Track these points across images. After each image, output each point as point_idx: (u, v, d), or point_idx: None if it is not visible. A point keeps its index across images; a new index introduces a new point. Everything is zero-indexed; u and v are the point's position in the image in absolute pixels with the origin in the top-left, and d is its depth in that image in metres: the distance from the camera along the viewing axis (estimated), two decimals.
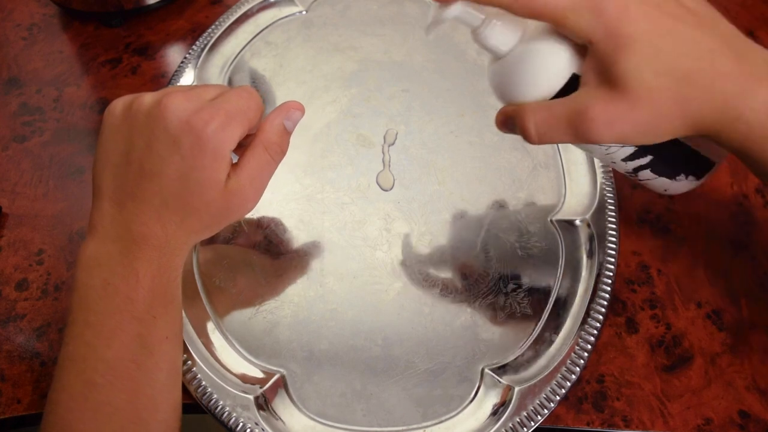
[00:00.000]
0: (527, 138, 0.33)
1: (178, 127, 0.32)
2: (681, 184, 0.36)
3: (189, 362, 0.37)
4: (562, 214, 0.44)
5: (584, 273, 0.42)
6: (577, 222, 0.44)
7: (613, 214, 0.44)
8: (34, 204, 0.46)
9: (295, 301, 0.40)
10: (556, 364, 0.38)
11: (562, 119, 0.31)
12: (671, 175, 0.35)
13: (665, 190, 0.36)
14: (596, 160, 0.46)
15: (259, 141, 0.35)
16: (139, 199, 0.33)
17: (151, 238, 0.33)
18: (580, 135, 0.30)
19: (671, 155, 0.34)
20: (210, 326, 0.40)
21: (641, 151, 0.33)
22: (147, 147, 0.33)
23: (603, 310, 0.40)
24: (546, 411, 0.36)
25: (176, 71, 0.51)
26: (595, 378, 0.39)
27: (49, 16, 0.57)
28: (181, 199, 0.33)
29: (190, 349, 0.38)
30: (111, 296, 0.32)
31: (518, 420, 0.36)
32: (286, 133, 0.37)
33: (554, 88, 0.31)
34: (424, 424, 0.37)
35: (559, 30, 0.31)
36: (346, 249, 0.42)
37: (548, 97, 0.32)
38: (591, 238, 0.43)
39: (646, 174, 0.35)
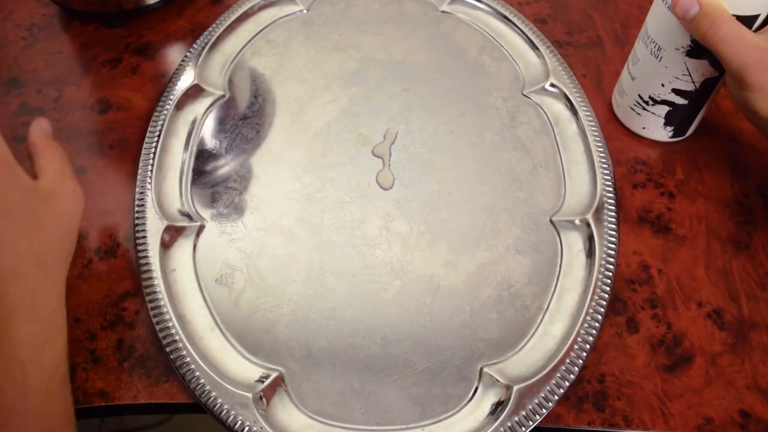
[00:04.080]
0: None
1: None
2: None
3: (188, 360, 0.37)
4: (562, 214, 0.44)
5: (583, 273, 0.42)
6: (577, 222, 0.43)
7: (613, 213, 0.44)
8: None
9: (294, 300, 0.40)
10: (554, 363, 0.37)
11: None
12: None
13: None
14: (596, 160, 0.46)
15: None
16: None
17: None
18: None
19: None
20: (209, 325, 0.40)
21: None
22: None
23: (602, 309, 0.40)
24: (544, 411, 0.36)
25: (176, 70, 0.51)
26: (596, 378, 0.39)
27: (49, 16, 0.57)
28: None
29: (189, 347, 0.38)
30: None
31: (517, 419, 0.36)
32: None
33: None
34: (423, 423, 0.36)
35: None
36: (345, 248, 0.42)
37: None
38: (590, 238, 0.43)
39: None
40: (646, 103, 0.47)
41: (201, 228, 0.43)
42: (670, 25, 0.42)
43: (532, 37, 0.54)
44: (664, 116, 0.47)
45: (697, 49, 0.42)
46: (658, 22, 0.43)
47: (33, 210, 0.34)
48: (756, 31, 0.40)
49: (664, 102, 0.46)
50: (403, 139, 0.48)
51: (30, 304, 0.33)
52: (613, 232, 0.43)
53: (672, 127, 0.48)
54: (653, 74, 0.45)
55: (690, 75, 0.43)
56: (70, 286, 0.41)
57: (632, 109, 0.48)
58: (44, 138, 0.39)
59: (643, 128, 0.49)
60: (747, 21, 0.39)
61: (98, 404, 0.37)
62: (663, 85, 0.45)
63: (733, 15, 0.39)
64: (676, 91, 0.45)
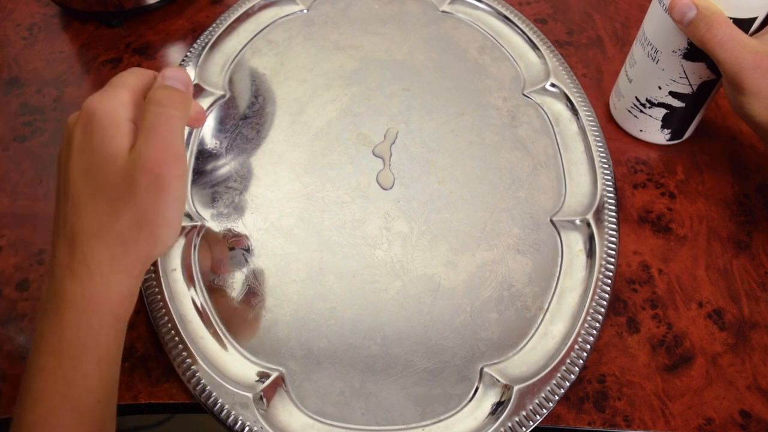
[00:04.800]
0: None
1: (75, 118, 0.32)
2: None
3: (189, 360, 0.37)
4: (562, 214, 0.44)
5: (584, 273, 0.42)
6: (577, 222, 0.43)
7: (614, 213, 0.44)
8: (35, 204, 0.46)
9: (294, 300, 0.40)
10: (555, 363, 0.37)
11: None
12: None
13: None
14: (596, 160, 0.46)
15: (146, 101, 0.33)
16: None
17: (87, 257, 0.30)
18: None
19: None
20: (209, 325, 0.40)
21: None
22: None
23: (603, 309, 0.40)
24: (545, 411, 0.36)
25: None
26: (597, 378, 0.39)
27: (50, 16, 0.57)
28: (86, 183, 0.31)
29: (190, 347, 0.38)
30: (41, 349, 0.30)
31: (517, 419, 0.36)
32: (173, 88, 0.33)
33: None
34: (423, 423, 0.36)
35: None
36: (345, 248, 0.42)
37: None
38: (591, 238, 0.43)
39: None
40: (644, 105, 0.46)
41: (201, 228, 0.43)
42: (667, 27, 0.42)
43: (533, 37, 0.54)
44: (661, 119, 0.47)
45: (694, 52, 0.41)
46: (655, 24, 0.43)
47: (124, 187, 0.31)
48: (753, 34, 0.40)
49: (661, 105, 0.46)
50: (404, 138, 0.48)
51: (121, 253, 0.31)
52: (614, 232, 0.43)
53: (669, 130, 0.47)
54: (650, 77, 0.45)
55: (687, 78, 0.43)
56: None
57: (629, 111, 0.48)
58: (161, 89, 0.33)
59: (641, 131, 0.48)
60: (744, 24, 0.39)
61: None
62: (660, 87, 0.45)
63: (730, 18, 0.39)
64: (673, 94, 0.45)
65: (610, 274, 0.41)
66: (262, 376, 0.38)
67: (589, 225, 0.43)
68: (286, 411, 0.37)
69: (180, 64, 0.51)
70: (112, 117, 0.32)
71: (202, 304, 0.40)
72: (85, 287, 0.30)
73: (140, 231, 0.31)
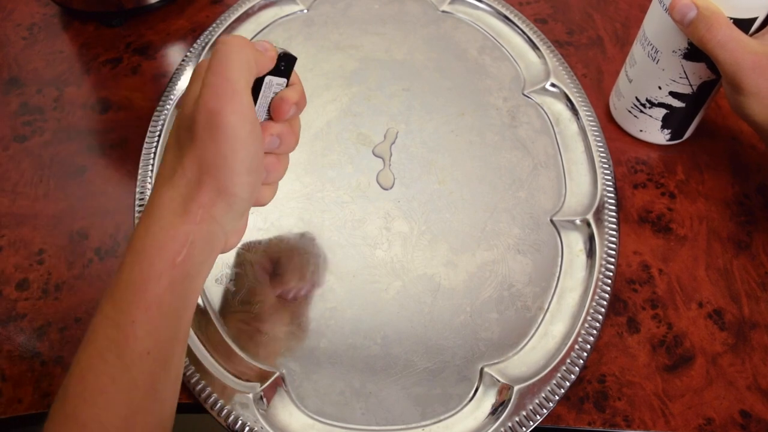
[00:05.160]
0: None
1: None
2: None
3: (188, 360, 0.37)
4: (562, 214, 0.44)
5: (584, 273, 0.42)
6: (578, 222, 0.43)
7: (614, 213, 0.44)
8: (35, 204, 0.46)
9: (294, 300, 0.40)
10: (555, 363, 0.37)
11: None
12: None
13: None
14: (596, 160, 0.46)
15: None
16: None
17: (153, 201, 0.31)
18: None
19: None
20: (209, 325, 0.40)
21: None
22: None
23: (603, 310, 0.40)
24: (545, 411, 0.36)
25: (177, 70, 0.51)
26: (597, 378, 0.39)
27: (50, 15, 0.57)
28: (173, 133, 0.33)
29: (190, 347, 0.38)
30: (104, 294, 0.30)
31: (517, 419, 0.36)
32: (248, 40, 0.33)
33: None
34: (423, 423, 0.36)
35: None
36: (345, 248, 0.42)
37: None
38: (591, 238, 0.43)
39: None
40: (644, 105, 0.46)
41: None
42: (667, 27, 0.42)
43: (533, 37, 0.54)
44: (661, 119, 0.47)
45: (694, 52, 0.41)
46: (655, 24, 0.43)
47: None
48: (753, 34, 0.40)
49: (661, 105, 0.46)
50: (404, 138, 0.48)
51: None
52: (614, 232, 0.43)
53: (669, 130, 0.47)
54: (650, 77, 0.45)
55: (687, 78, 0.43)
56: (70, 286, 0.42)
57: (629, 111, 0.48)
58: (241, 45, 0.32)
59: (641, 131, 0.48)
60: (744, 24, 0.39)
61: None
62: (660, 87, 0.45)
63: (730, 18, 0.39)
64: (673, 94, 0.45)
65: (610, 274, 0.41)
66: (262, 376, 0.38)
67: (589, 225, 0.43)
68: (286, 411, 0.37)
69: (180, 64, 0.51)
70: (199, 71, 0.34)
71: (201, 304, 0.40)
72: (147, 231, 0.30)
73: (202, 174, 0.30)
